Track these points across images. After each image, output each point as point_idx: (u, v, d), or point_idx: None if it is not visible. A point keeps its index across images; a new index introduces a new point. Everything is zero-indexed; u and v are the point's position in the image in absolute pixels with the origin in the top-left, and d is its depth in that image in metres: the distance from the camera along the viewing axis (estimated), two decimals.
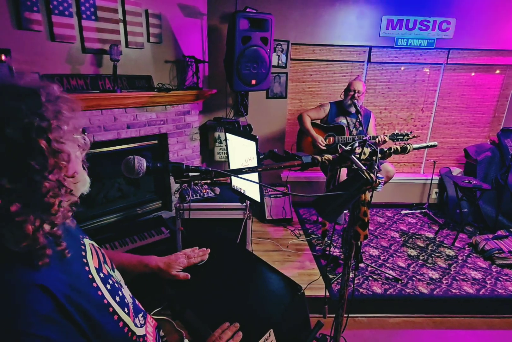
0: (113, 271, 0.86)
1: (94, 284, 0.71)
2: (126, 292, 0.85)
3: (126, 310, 0.77)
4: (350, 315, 2.05)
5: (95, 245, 0.85)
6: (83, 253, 0.75)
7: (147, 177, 3.09)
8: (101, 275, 0.75)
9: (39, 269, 0.59)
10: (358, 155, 1.05)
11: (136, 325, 0.79)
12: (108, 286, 0.75)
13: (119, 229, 2.59)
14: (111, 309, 0.71)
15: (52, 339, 0.57)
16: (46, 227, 0.60)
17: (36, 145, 0.56)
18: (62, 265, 0.65)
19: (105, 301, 0.71)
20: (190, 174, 0.84)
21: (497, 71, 3.59)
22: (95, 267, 0.75)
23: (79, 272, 0.69)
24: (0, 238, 0.57)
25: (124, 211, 2.83)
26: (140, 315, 0.84)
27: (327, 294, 2.28)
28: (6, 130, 0.54)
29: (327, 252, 2.79)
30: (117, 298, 0.75)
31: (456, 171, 3.76)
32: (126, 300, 0.79)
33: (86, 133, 0.73)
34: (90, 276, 0.71)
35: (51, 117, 0.59)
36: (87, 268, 0.72)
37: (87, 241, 0.81)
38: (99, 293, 0.70)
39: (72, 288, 0.63)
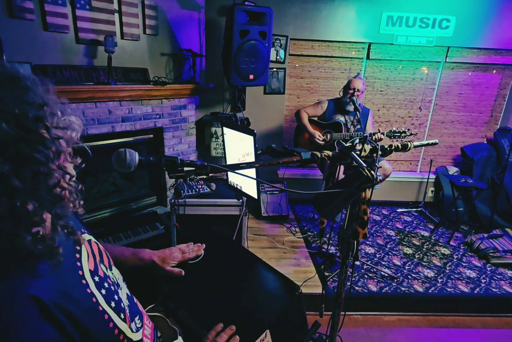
0: (110, 270, 0.80)
1: (88, 290, 0.66)
2: (124, 292, 0.81)
3: (122, 315, 0.73)
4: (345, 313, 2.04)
5: (93, 240, 0.80)
6: (77, 255, 0.69)
7: (142, 172, 3.05)
8: (96, 279, 0.70)
9: (38, 275, 0.56)
10: (358, 152, 1.02)
11: (132, 331, 0.75)
12: (103, 291, 0.69)
13: (113, 224, 2.55)
14: (106, 316, 0.67)
15: None
16: (60, 221, 0.57)
17: (35, 136, 0.51)
18: (57, 270, 0.60)
19: (100, 308, 0.66)
20: (185, 169, 0.80)
21: (494, 71, 3.57)
22: (90, 270, 0.69)
23: (72, 278, 0.65)
24: (14, 239, 0.52)
25: (118, 206, 2.78)
26: (136, 318, 0.80)
27: (323, 292, 2.26)
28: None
29: (323, 250, 2.78)
30: (113, 304, 0.70)
31: (453, 170, 3.76)
32: (122, 304, 0.75)
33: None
34: (83, 282, 0.66)
35: (41, 103, 0.54)
36: (80, 272, 0.67)
37: (85, 237, 0.76)
38: (94, 299, 0.66)
39: (64, 295, 0.59)
